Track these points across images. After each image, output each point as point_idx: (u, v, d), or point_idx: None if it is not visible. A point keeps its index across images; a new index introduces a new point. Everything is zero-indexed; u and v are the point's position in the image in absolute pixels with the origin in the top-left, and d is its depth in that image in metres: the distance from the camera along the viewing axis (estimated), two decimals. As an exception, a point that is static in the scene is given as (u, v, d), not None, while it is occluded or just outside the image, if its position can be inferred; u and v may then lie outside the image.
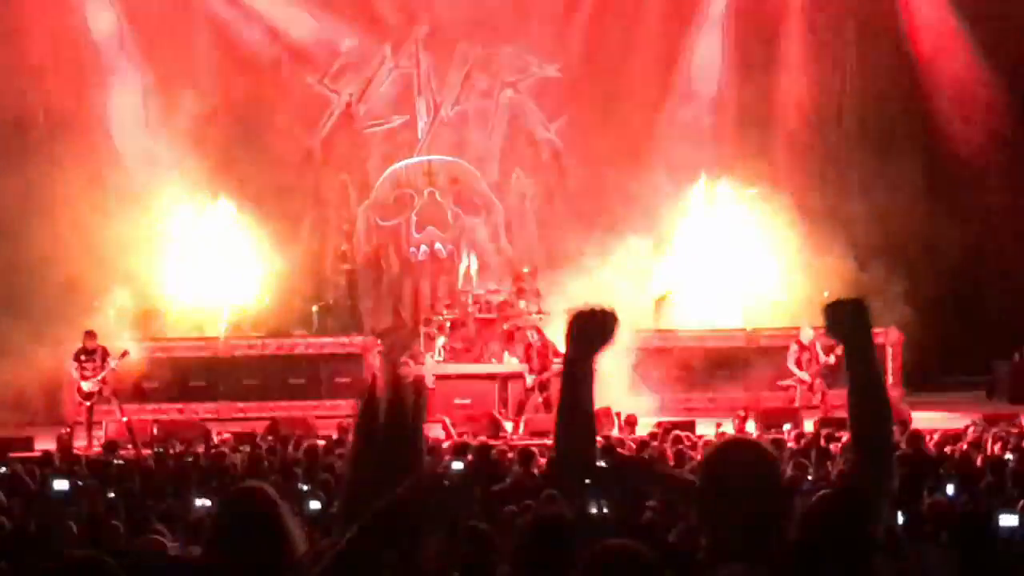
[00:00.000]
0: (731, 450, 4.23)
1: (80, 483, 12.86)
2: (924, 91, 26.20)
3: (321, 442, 17.89)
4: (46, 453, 16.16)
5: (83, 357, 21.25)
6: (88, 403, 21.09)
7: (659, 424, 20.01)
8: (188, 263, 25.54)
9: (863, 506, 4.10)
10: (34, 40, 25.22)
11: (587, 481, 4.86)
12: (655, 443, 16.23)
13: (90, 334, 21.51)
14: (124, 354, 21.39)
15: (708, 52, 27.02)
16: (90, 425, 20.85)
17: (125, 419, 20.87)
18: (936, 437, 16.04)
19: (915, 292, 24.64)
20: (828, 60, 27.09)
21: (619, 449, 15.35)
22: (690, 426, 19.51)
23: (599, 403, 4.47)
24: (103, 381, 21.15)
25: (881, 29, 26.49)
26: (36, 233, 24.12)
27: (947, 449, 14.87)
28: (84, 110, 25.66)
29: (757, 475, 4.08)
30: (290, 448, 16.23)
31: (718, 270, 26.27)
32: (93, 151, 25.33)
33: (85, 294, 23.85)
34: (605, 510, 7.33)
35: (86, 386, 21.09)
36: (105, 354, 21.24)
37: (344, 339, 24.95)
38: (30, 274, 24.08)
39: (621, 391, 22.66)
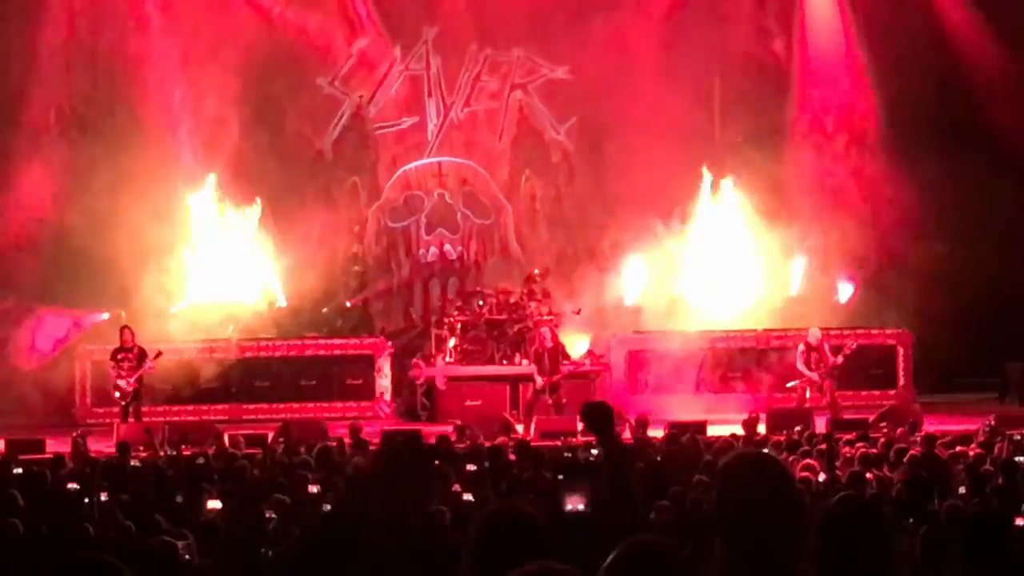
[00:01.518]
0: (745, 465, 4.18)
1: (92, 485, 12.87)
2: (951, 89, 26.08)
3: (332, 444, 17.92)
4: (57, 455, 16.19)
5: (120, 355, 21.27)
6: (124, 402, 21.12)
7: (669, 425, 20.00)
8: (201, 264, 25.70)
9: (880, 515, 4.09)
10: (60, 36, 25.38)
11: (560, 477, 4.87)
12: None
13: (127, 331, 21.57)
14: (158, 355, 21.44)
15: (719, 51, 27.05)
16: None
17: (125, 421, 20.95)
18: (948, 439, 16.03)
19: (926, 294, 24.59)
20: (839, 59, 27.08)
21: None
22: (701, 427, 19.50)
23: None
24: (138, 380, 21.17)
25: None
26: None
27: (958, 450, 14.85)
28: (115, 104, 25.80)
29: (771, 489, 4.05)
30: (301, 450, 16.23)
31: (728, 270, 26.30)
32: (120, 149, 25.55)
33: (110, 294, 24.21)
34: (582, 507, 7.33)
35: (122, 384, 21.10)
36: (143, 353, 21.26)
37: (355, 340, 24.98)
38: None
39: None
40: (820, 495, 11.17)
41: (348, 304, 26.47)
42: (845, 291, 26.24)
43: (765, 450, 13.55)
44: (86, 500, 11.92)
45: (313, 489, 12.06)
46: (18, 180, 24.67)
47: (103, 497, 11.95)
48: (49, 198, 24.76)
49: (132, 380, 21.05)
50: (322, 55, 26.81)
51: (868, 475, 12.27)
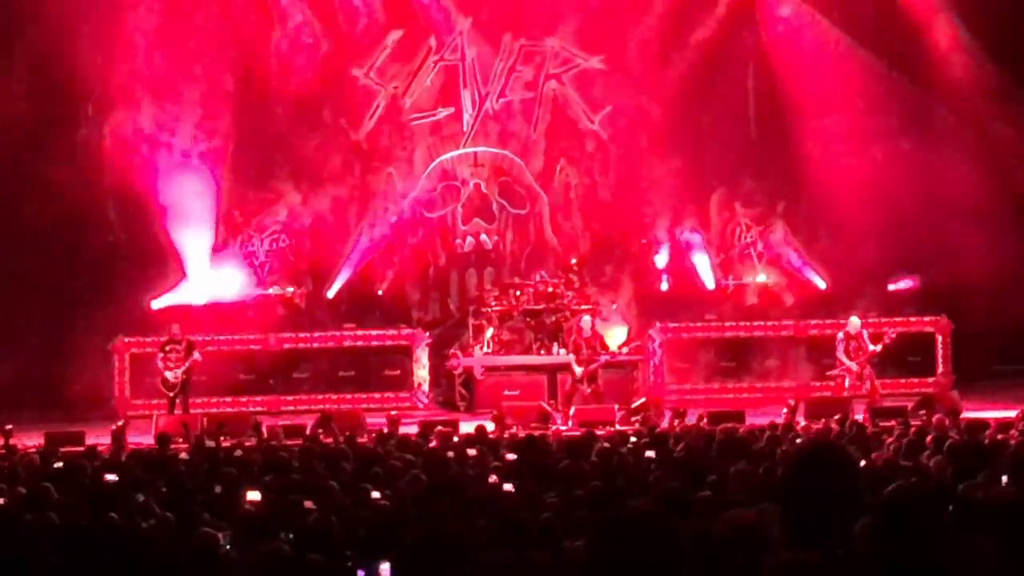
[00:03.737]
0: (817, 454, 4.46)
1: (132, 476, 12.92)
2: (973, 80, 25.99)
3: (371, 434, 17.98)
4: (91, 447, 16.26)
5: (168, 347, 21.58)
6: (171, 394, 21.43)
7: (706, 414, 20.00)
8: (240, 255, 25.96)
9: (935, 498, 4.29)
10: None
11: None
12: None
13: (176, 324, 22.01)
14: (200, 351, 21.81)
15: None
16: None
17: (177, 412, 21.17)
18: (989, 427, 15.93)
19: (965, 281, 24.44)
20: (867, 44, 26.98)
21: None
22: (739, 416, 19.48)
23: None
24: (186, 372, 21.46)
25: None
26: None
27: (999, 438, 14.76)
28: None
29: (841, 479, 4.36)
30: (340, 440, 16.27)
31: (765, 259, 26.28)
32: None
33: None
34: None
35: (170, 376, 21.41)
36: (191, 346, 21.56)
37: (392, 331, 25.03)
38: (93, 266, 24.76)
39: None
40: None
41: (380, 292, 26.54)
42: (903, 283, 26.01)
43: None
44: (126, 492, 11.97)
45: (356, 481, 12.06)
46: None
47: (162, 489, 12.03)
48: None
49: (180, 372, 21.38)
50: (357, 46, 26.84)
51: (905, 463, 12.21)
